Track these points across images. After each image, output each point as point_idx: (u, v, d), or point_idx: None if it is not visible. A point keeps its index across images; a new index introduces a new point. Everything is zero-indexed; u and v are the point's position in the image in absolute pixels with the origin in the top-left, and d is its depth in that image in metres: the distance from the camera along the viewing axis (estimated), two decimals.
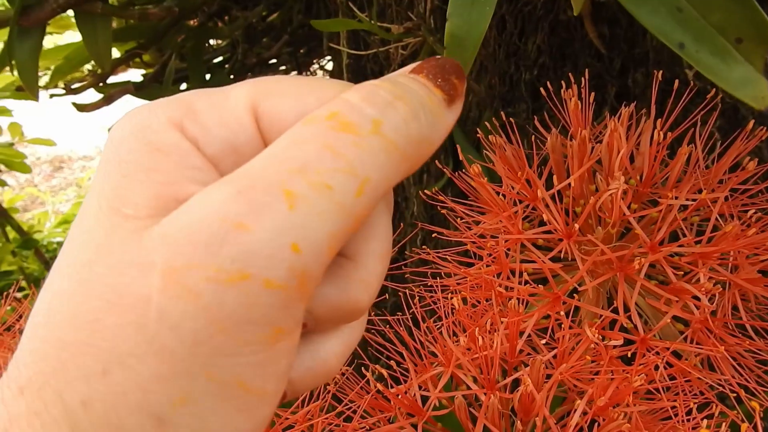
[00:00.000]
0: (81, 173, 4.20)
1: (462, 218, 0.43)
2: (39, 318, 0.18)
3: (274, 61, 1.21)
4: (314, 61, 1.30)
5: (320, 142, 0.17)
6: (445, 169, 0.55)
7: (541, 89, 0.44)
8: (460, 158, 0.75)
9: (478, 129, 0.76)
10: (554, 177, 0.40)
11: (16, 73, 0.79)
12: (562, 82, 0.48)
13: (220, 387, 0.17)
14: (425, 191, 0.82)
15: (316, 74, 1.24)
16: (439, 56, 0.20)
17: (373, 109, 0.18)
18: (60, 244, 1.52)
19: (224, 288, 0.16)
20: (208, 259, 0.16)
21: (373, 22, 0.68)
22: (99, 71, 0.93)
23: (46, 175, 4.09)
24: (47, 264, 1.14)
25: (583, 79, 0.49)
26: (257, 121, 0.20)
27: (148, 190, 0.18)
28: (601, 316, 0.36)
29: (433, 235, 0.46)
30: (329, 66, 1.32)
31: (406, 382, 0.40)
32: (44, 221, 1.47)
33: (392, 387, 0.42)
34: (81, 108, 0.96)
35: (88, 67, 1.10)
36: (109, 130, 0.80)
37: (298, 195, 0.17)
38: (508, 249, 0.41)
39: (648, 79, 0.71)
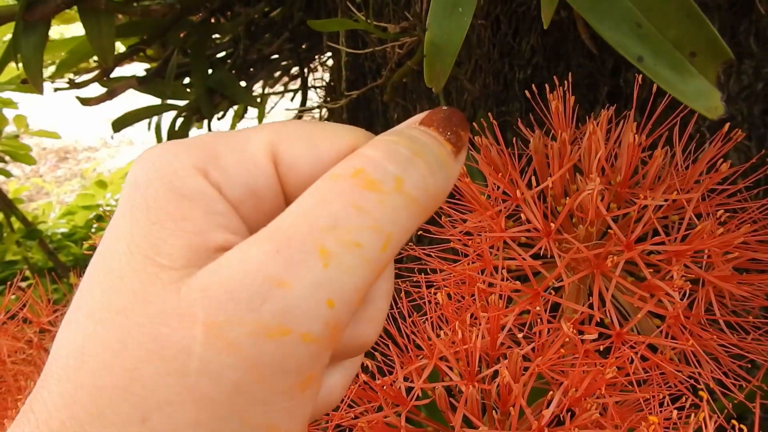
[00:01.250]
0: (86, 164, 4.22)
1: (449, 216, 0.45)
2: (70, 361, 0.18)
3: (276, 56, 1.22)
4: (315, 57, 1.32)
5: (348, 201, 0.18)
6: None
7: (526, 92, 0.45)
8: None
9: (473, 126, 0.78)
10: (537, 177, 0.41)
11: (21, 66, 0.80)
12: (555, 81, 0.49)
13: (253, 431, 0.18)
14: None
15: (316, 70, 1.25)
16: (445, 107, 0.21)
17: (395, 167, 0.19)
18: (64, 234, 1.55)
19: (264, 342, 0.17)
20: (250, 314, 0.17)
21: (369, 21, 0.69)
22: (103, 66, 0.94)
23: (51, 166, 4.12)
24: (51, 254, 1.16)
25: (566, 81, 0.50)
26: (276, 166, 0.21)
27: (180, 240, 0.19)
28: (579, 311, 0.38)
29: (419, 233, 0.48)
30: (330, 62, 1.33)
31: (391, 373, 0.41)
32: (48, 212, 1.49)
33: (377, 378, 0.43)
34: (85, 102, 0.98)
35: (94, 60, 1.12)
36: (113, 124, 0.82)
37: (331, 253, 0.18)
38: (491, 246, 0.42)
39: (645, 80, 0.73)
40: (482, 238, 0.40)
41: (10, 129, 1.20)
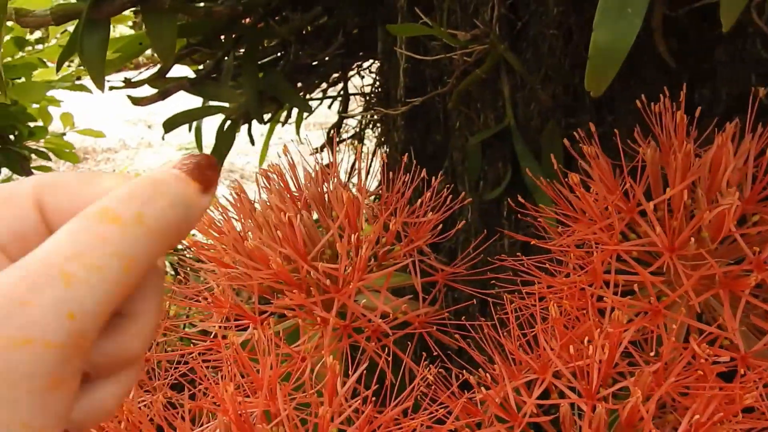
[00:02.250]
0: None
1: (532, 226, 0.43)
2: None
3: (316, 63, 1.22)
4: (354, 65, 1.31)
5: (93, 232, 0.22)
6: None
7: (637, 102, 0.44)
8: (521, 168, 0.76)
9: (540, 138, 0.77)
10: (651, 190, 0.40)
11: (70, 65, 0.79)
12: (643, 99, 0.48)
13: (7, 427, 0.21)
14: (483, 198, 0.82)
15: (363, 77, 1.24)
16: (197, 154, 0.26)
17: (137, 204, 0.23)
18: None
19: (11, 351, 0.21)
20: (1, 331, 0.21)
21: (443, 28, 0.68)
22: (157, 65, 0.94)
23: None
24: None
25: (642, 97, 0.49)
26: (42, 212, 0.24)
27: None
28: (703, 331, 0.36)
29: (489, 241, 0.46)
30: (370, 70, 1.32)
31: (482, 388, 0.40)
32: None
33: (474, 393, 0.42)
34: (136, 101, 0.97)
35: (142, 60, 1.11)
36: (164, 125, 0.81)
37: (72, 274, 0.21)
38: (602, 260, 0.41)
39: (714, 95, 0.71)
40: (596, 251, 0.39)
41: (55, 127, 1.20)
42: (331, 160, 0.55)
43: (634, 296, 0.41)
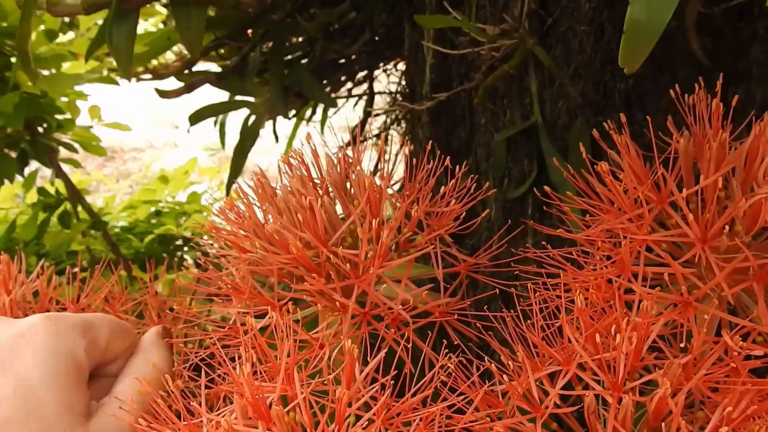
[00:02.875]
0: (132, 164, 4.28)
1: (557, 216, 0.42)
2: None
3: (342, 61, 1.21)
4: (379, 64, 1.30)
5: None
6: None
7: (671, 91, 0.43)
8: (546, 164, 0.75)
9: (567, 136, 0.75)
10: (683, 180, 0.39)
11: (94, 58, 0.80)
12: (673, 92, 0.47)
13: None
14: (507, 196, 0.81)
15: (390, 74, 1.24)
16: (161, 326, 0.47)
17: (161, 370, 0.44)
18: (123, 228, 1.55)
19: None
20: None
21: (471, 22, 0.67)
22: (185, 58, 0.94)
23: (98, 165, 4.18)
24: (113, 246, 1.16)
25: (674, 90, 0.47)
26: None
27: (83, 397, 0.38)
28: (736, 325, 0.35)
29: (512, 234, 0.45)
30: (395, 69, 1.32)
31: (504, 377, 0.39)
32: (111, 205, 1.50)
33: (494, 384, 0.41)
34: (163, 94, 0.98)
35: (169, 55, 1.12)
36: (190, 118, 0.83)
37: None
38: (631, 251, 0.40)
39: (748, 95, 0.69)
40: (625, 242, 0.37)
41: (83, 121, 1.22)
42: (355, 153, 0.54)
43: (665, 289, 0.40)
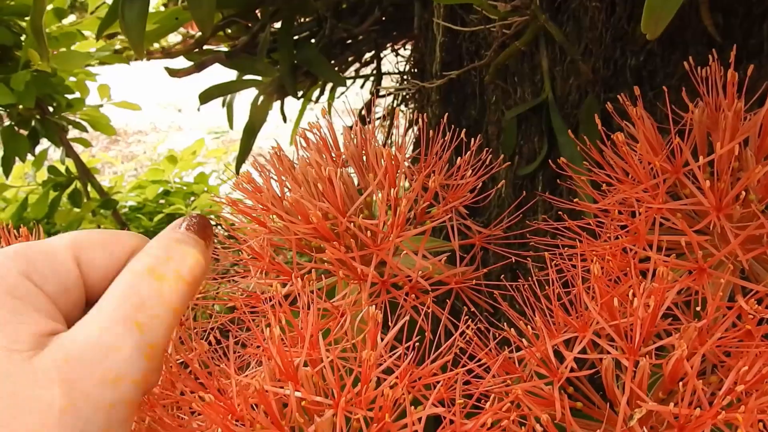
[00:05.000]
0: (136, 146, 4.28)
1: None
2: None
3: (350, 41, 1.21)
4: (388, 45, 1.30)
5: (149, 288, 0.29)
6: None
7: (685, 63, 0.43)
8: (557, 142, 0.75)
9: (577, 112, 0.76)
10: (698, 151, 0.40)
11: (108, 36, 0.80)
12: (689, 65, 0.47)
13: None
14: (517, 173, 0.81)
15: (398, 54, 1.24)
16: (196, 214, 0.33)
17: (174, 264, 0.30)
18: (131, 207, 1.56)
19: (107, 387, 0.27)
20: (94, 370, 0.27)
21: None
22: (192, 38, 0.95)
23: (102, 147, 4.18)
24: (123, 225, 1.17)
25: (688, 63, 0.48)
26: (79, 268, 0.30)
27: (25, 329, 0.27)
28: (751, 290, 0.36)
29: (524, 208, 0.46)
30: (403, 50, 1.32)
31: (523, 340, 0.40)
32: (120, 185, 1.50)
33: (512, 351, 0.42)
34: (173, 73, 0.98)
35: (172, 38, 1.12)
36: (200, 97, 0.82)
37: (143, 323, 0.28)
38: (646, 220, 0.40)
39: (760, 72, 0.70)
40: (642, 211, 0.38)
41: (93, 100, 1.22)
42: (370, 125, 0.55)
43: (681, 256, 0.40)
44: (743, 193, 0.37)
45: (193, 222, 0.32)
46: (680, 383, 0.34)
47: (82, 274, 0.30)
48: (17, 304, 0.27)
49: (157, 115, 4.59)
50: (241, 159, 1.05)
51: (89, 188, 1.15)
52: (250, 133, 1.03)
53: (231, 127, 1.26)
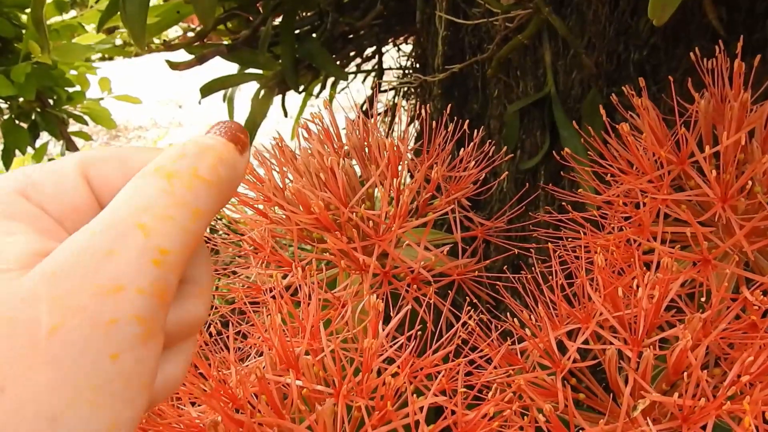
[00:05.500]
0: (136, 142, 4.28)
1: (574, 182, 0.43)
2: None
3: (351, 36, 1.21)
4: (390, 40, 1.30)
5: (156, 187, 0.23)
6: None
7: (691, 54, 0.43)
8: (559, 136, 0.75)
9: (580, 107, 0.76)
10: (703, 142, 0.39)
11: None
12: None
13: (106, 381, 0.21)
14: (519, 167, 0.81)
15: (399, 48, 1.23)
16: (226, 120, 0.27)
17: (188, 159, 0.24)
18: None
19: (105, 299, 0.21)
20: (90, 280, 0.21)
21: None
22: (193, 31, 0.94)
23: (103, 143, 4.18)
24: None
25: (694, 54, 0.48)
26: (90, 186, 0.26)
27: (14, 250, 0.22)
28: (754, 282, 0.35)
29: (527, 200, 0.46)
30: (405, 46, 1.32)
31: (526, 330, 0.40)
32: None
33: (514, 343, 0.42)
34: (174, 66, 0.97)
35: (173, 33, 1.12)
36: (201, 90, 0.81)
37: (148, 226, 0.22)
38: (650, 211, 0.40)
39: (765, 66, 0.69)
40: (647, 201, 0.38)
41: (93, 93, 1.21)
42: (372, 116, 0.55)
43: (685, 249, 0.40)
44: (749, 184, 0.36)
45: (222, 126, 0.27)
46: (684, 374, 0.34)
47: (95, 191, 0.26)
48: (12, 224, 0.23)
49: (158, 111, 4.58)
50: None
51: None
52: (251, 127, 1.03)
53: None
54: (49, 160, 1.20)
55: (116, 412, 0.21)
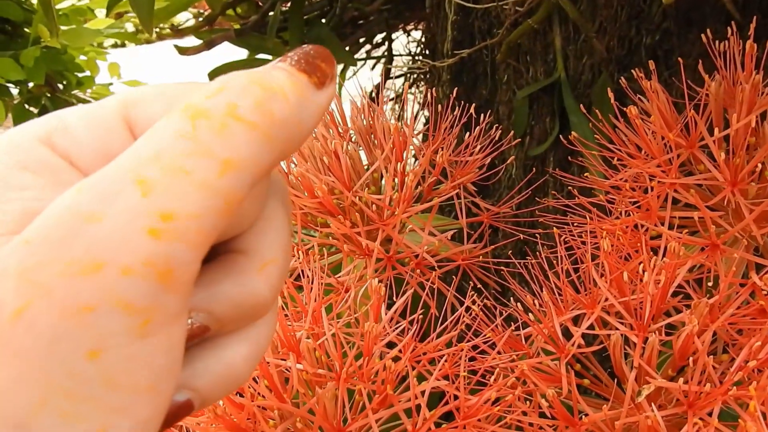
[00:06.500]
0: None
1: (584, 168, 0.42)
2: None
3: (361, 22, 1.20)
4: (400, 26, 1.29)
5: (174, 130, 0.17)
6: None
7: (702, 36, 0.42)
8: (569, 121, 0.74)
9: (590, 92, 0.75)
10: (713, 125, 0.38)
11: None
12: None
13: (82, 384, 0.16)
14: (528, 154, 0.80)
15: (409, 34, 1.22)
16: (307, 45, 0.20)
17: (226, 94, 0.17)
18: None
19: (78, 280, 0.16)
20: (60, 253, 0.16)
21: None
22: (202, 16, 0.94)
23: None
24: None
25: (706, 36, 0.47)
26: (132, 130, 0.20)
27: (16, 207, 0.18)
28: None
29: (534, 185, 0.45)
30: (415, 32, 1.31)
31: (530, 315, 0.39)
32: None
33: (518, 328, 0.41)
34: (183, 51, 0.97)
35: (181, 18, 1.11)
36: (209, 75, 0.79)
37: (151, 181, 0.16)
38: (658, 196, 0.39)
39: None
40: (654, 185, 0.37)
41: (102, 78, 1.22)
42: (379, 101, 0.54)
43: (694, 234, 0.39)
44: (759, 166, 0.36)
45: (297, 52, 0.20)
46: (690, 360, 0.33)
47: (137, 137, 0.19)
48: (25, 176, 0.19)
49: None
50: None
51: None
52: None
53: None
54: None
55: (100, 423, 0.17)
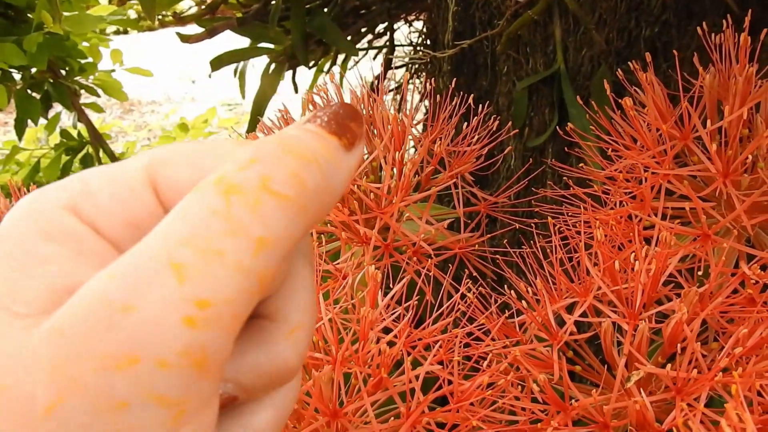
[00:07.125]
0: (150, 116, 4.30)
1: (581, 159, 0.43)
2: None
3: (363, 12, 1.20)
4: (401, 16, 1.29)
5: (206, 206, 0.16)
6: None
7: (698, 28, 0.43)
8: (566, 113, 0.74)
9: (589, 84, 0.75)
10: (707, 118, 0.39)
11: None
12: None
13: None
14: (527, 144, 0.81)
15: (411, 24, 1.22)
16: (334, 102, 0.20)
17: (260, 166, 0.17)
18: None
19: (113, 375, 0.15)
20: (95, 346, 0.15)
21: None
22: (204, 5, 0.94)
23: (116, 117, 4.20)
24: None
25: (702, 30, 0.47)
26: (157, 194, 0.19)
27: (42, 284, 0.17)
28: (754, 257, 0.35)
29: (532, 175, 0.46)
30: (416, 22, 1.31)
31: (523, 302, 0.40)
32: (132, 150, 1.51)
33: (512, 316, 0.42)
34: (185, 39, 0.98)
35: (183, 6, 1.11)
36: (211, 63, 0.80)
37: (186, 266, 0.16)
38: (652, 187, 0.40)
39: None
40: (647, 176, 0.38)
41: (105, 65, 1.22)
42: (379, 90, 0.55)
43: (686, 225, 0.40)
44: (750, 158, 0.36)
45: (326, 112, 0.19)
46: (679, 347, 0.34)
47: (163, 202, 0.19)
48: (48, 247, 0.18)
49: (171, 86, 4.59)
50: (251, 128, 1.05)
51: (101, 153, 1.15)
52: (261, 101, 1.03)
53: (243, 96, 1.26)
54: (62, 130, 1.22)
55: None
